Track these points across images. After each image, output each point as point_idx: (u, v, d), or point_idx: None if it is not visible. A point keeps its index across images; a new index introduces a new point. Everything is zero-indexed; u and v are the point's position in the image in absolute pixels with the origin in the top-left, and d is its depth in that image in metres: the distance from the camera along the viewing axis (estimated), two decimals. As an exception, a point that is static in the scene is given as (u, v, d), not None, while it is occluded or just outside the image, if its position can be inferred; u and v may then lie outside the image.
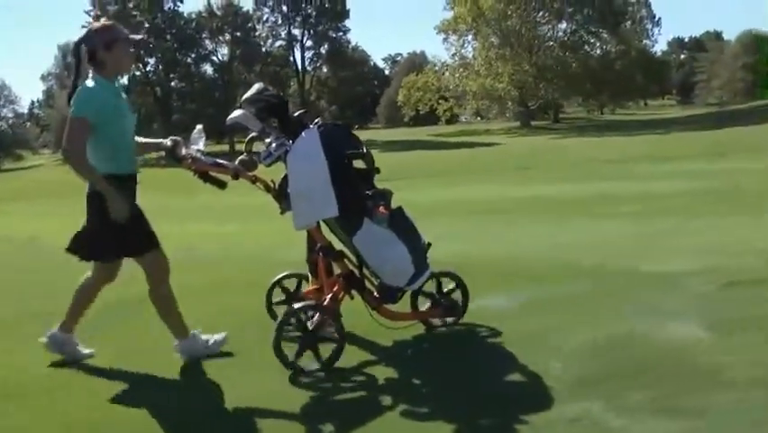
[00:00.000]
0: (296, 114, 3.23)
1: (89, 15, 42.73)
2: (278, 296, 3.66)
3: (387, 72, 73.69)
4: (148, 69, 44.60)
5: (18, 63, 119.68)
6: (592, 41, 48.30)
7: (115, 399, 2.81)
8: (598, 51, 48.31)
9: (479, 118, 52.28)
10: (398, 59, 73.63)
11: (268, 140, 3.09)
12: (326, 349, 2.97)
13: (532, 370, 2.84)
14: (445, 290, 3.50)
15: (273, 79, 46.68)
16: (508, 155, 19.83)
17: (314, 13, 48.66)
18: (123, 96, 3.18)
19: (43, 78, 58.35)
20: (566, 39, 45.55)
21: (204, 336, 3.24)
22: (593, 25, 46.78)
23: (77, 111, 2.94)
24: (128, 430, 2.55)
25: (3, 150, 45.92)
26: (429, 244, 3.38)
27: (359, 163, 3.32)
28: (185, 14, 45.93)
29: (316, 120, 3.20)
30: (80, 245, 3.07)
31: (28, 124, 60.29)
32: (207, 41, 46.97)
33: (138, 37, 3.53)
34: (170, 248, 3.21)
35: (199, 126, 3.26)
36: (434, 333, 3.46)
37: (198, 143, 3.11)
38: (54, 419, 2.65)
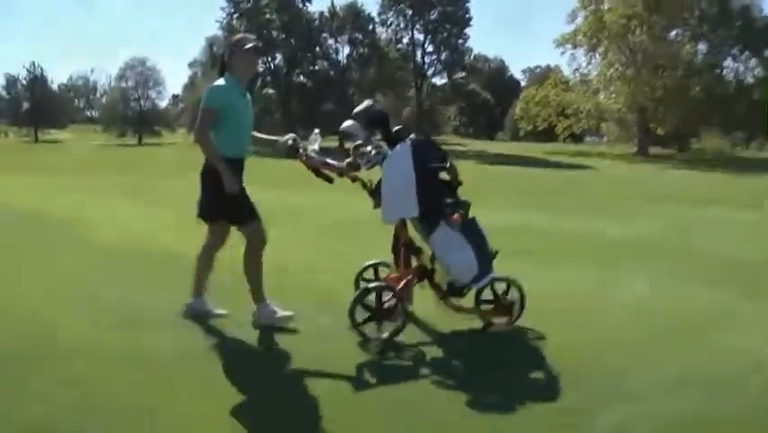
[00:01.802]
0: (395, 128, 3.86)
1: (223, 11, 46.13)
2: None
3: (523, 84, 71.75)
4: (276, 63, 47.23)
5: (171, 51, 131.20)
6: (729, 64, 44.74)
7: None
8: (732, 76, 44.89)
9: (606, 139, 50.04)
10: (537, 70, 70.57)
11: (369, 147, 3.76)
12: (389, 325, 3.60)
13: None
14: (507, 295, 3.95)
15: (390, 82, 48.04)
16: (580, 182, 18.23)
17: (437, 18, 48.84)
18: (248, 96, 3.94)
19: (190, 65, 63.31)
20: (696, 61, 42.34)
21: (275, 307, 3.88)
22: (732, 47, 43.35)
23: (206, 102, 3.74)
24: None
25: (145, 127, 51.78)
26: (497, 252, 3.90)
27: (445, 174, 3.91)
28: (310, 14, 48.06)
29: (411, 135, 3.82)
30: (201, 211, 3.87)
31: (170, 104, 66.05)
32: (330, 41, 48.94)
33: (257, 44, 4.14)
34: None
35: (317, 130, 3.97)
36: (489, 330, 3.93)
37: (314, 144, 3.83)
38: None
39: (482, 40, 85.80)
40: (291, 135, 3.92)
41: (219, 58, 4.00)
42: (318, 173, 3.79)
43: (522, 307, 3.94)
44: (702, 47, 43.07)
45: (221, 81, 3.82)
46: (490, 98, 65.61)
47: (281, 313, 3.87)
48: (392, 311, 3.62)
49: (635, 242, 7.24)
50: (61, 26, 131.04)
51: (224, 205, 3.73)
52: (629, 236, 7.59)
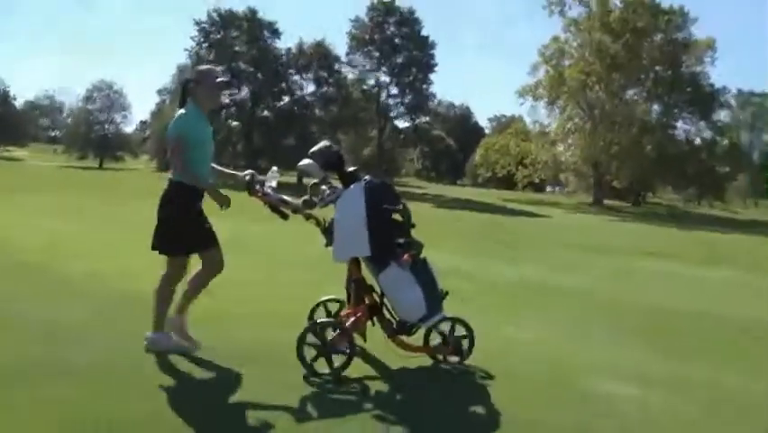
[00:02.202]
0: (350, 169, 3.98)
1: (193, 41, 46.31)
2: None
3: (487, 132, 72.68)
4: (242, 95, 47.38)
5: (140, 77, 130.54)
6: (679, 125, 46.46)
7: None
8: (683, 136, 46.54)
9: (565, 189, 51.25)
10: (503, 120, 72.33)
11: (324, 187, 3.88)
12: (338, 359, 3.66)
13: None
14: (456, 334, 4.07)
15: (352, 121, 48.57)
16: (525, 230, 18.33)
17: (403, 62, 49.61)
18: (209, 126, 4.00)
19: (159, 92, 63.11)
20: (649, 120, 43.93)
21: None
22: (683, 110, 45.23)
23: (178, 131, 3.79)
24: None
25: (107, 151, 51.69)
26: (447, 293, 4.02)
27: (398, 216, 4.03)
28: (278, 49, 48.61)
29: (366, 176, 3.96)
30: (157, 243, 3.87)
31: (137, 130, 65.71)
32: (296, 77, 49.48)
33: (226, 79, 4.36)
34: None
35: (275, 168, 4.07)
36: (437, 366, 4.04)
37: (272, 182, 3.93)
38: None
39: (448, 86, 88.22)
40: (250, 172, 3.98)
41: (182, 85, 4.04)
42: (274, 209, 3.88)
43: (471, 344, 4.06)
44: (656, 107, 45.00)
45: (185, 110, 3.87)
46: (453, 144, 66.91)
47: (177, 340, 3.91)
48: (339, 347, 3.68)
49: (555, 289, 7.53)
50: (35, 39, 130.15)
51: (186, 233, 3.80)
52: (551, 283, 7.93)
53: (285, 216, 3.91)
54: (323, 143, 4.00)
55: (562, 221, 23.78)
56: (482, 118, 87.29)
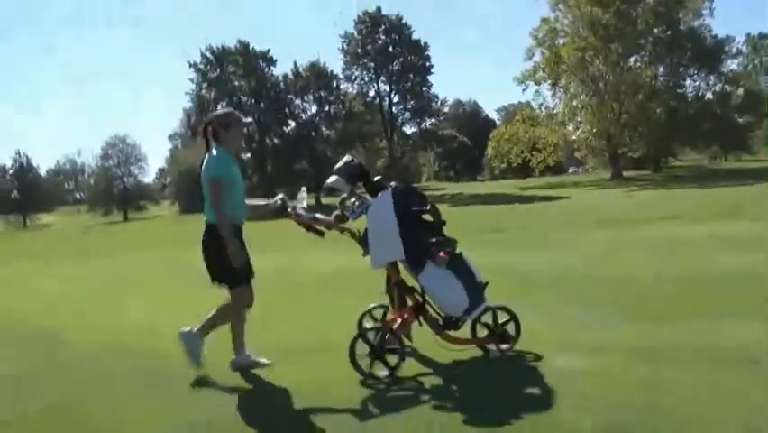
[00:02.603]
0: (375, 179, 4.12)
1: (193, 82, 47.09)
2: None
3: (498, 123, 70.62)
4: (249, 128, 48.00)
5: (150, 123, 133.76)
6: (688, 83, 46.15)
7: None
8: (692, 94, 46.21)
9: (589, 169, 50.62)
10: (510, 108, 70.07)
11: (353, 199, 4.02)
12: (391, 360, 3.80)
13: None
14: (501, 321, 4.17)
15: (358, 136, 48.87)
16: (534, 214, 18.46)
17: (399, 69, 49.62)
18: (237, 167, 4.15)
19: (170, 137, 64.62)
20: (654, 84, 43.39)
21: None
22: (688, 67, 44.84)
23: (214, 172, 3.94)
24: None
25: (129, 203, 54.20)
26: (487, 283, 4.12)
27: (428, 216, 4.15)
28: (275, 77, 49.17)
29: (392, 183, 4.09)
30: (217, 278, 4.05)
31: (156, 178, 67.52)
32: (297, 101, 50.04)
33: (248, 120, 4.56)
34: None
35: (303, 188, 4.24)
36: (488, 358, 4.13)
37: (302, 202, 4.10)
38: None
39: (453, 84, 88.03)
40: (281, 196, 4.16)
41: (203, 131, 4.14)
42: (309, 228, 4.04)
43: (518, 331, 4.14)
44: (661, 70, 44.39)
45: (216, 153, 4.00)
46: (467, 141, 66.74)
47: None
48: (390, 349, 3.80)
49: (548, 270, 7.49)
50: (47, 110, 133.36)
51: (226, 269, 3.96)
52: (546, 264, 7.89)
53: (321, 234, 4.06)
54: (345, 158, 4.15)
55: (576, 201, 23.63)
56: (491, 110, 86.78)
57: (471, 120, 73.06)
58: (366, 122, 50.48)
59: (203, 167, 4.03)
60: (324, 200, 35.51)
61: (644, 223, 12.54)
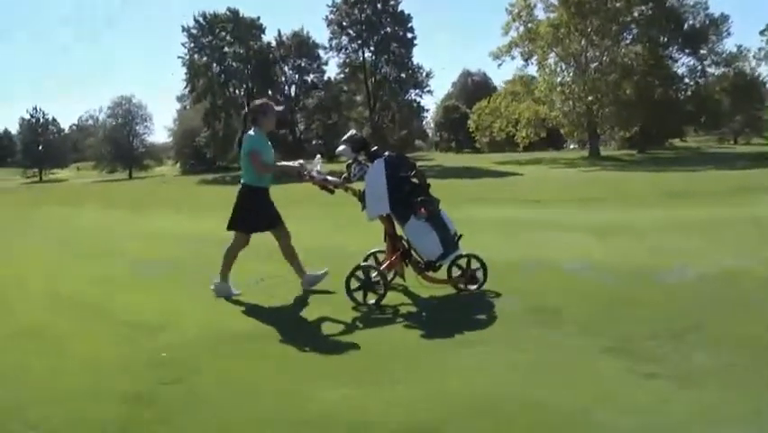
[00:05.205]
0: (373, 148, 5.14)
1: (185, 47, 47.26)
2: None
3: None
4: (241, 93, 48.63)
5: (158, 83, 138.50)
6: (682, 61, 46.44)
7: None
8: (684, 72, 46.54)
9: (587, 145, 49.85)
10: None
11: (354, 165, 5.07)
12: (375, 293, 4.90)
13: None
14: (473, 267, 5.21)
15: (334, 103, 49.28)
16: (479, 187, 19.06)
17: (384, 38, 49.33)
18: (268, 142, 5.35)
19: (178, 98, 64.68)
20: (632, 63, 42.69)
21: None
22: (668, 47, 45.19)
23: (253, 146, 5.17)
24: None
25: (135, 162, 56.37)
26: (461, 235, 5.16)
27: (415, 179, 5.17)
28: (263, 44, 49.50)
29: (386, 152, 5.11)
30: (233, 223, 5.26)
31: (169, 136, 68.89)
32: (279, 69, 50.56)
33: (280, 108, 5.73)
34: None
35: (318, 156, 5.44)
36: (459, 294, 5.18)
37: (317, 166, 5.22)
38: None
39: (461, 55, 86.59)
40: (299, 161, 5.37)
41: (244, 116, 5.51)
42: (323, 187, 5.18)
43: (485, 274, 5.18)
44: (639, 48, 43.80)
45: (253, 132, 5.26)
46: (469, 112, 66.87)
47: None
48: (375, 282, 4.87)
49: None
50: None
51: (259, 218, 5.23)
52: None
53: (331, 192, 5.19)
54: (351, 132, 5.33)
55: (519, 180, 24.21)
56: (499, 81, 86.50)
57: (479, 91, 73.03)
58: (344, 91, 50.99)
59: (243, 143, 5.28)
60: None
61: (529, 204, 13.02)
